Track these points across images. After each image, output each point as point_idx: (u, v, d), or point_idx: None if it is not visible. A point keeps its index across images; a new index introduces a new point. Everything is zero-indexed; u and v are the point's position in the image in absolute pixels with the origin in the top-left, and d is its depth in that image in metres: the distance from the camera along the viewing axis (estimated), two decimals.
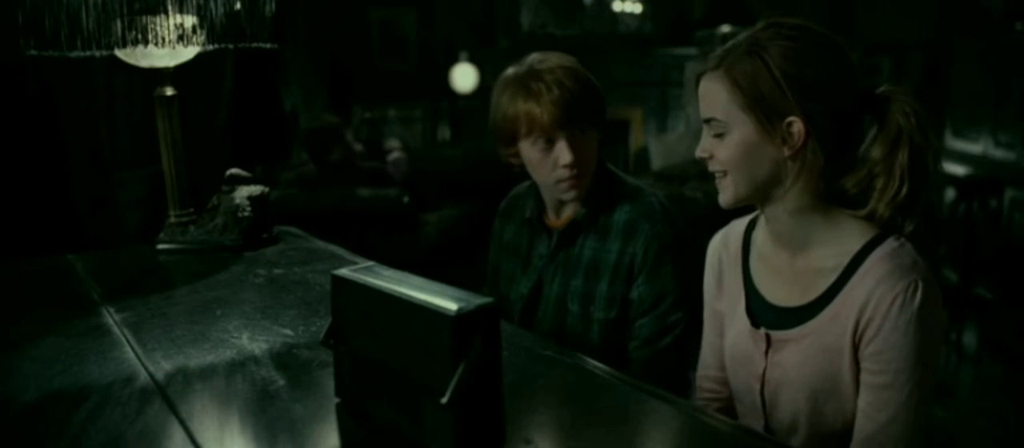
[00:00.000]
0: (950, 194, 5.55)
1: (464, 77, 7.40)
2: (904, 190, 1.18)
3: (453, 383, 0.78)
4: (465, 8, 7.95)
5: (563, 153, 1.61)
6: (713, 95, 1.23)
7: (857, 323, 1.17)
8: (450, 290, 0.83)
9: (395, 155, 5.66)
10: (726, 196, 1.26)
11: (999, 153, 5.37)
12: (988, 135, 5.48)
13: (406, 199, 4.53)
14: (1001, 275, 4.94)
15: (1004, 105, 5.31)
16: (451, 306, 0.79)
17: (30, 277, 1.65)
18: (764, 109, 1.19)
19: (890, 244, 1.18)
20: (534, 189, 1.75)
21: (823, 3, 6.31)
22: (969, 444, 3.46)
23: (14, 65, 3.14)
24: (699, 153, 1.27)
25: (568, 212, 1.71)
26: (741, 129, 1.21)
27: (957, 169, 5.58)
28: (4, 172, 3.38)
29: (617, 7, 7.94)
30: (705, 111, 1.25)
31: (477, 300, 0.80)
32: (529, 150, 1.64)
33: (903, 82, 1.24)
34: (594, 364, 1.13)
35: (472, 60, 7.42)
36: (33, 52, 1.55)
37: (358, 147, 4.98)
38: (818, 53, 1.19)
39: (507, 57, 1.74)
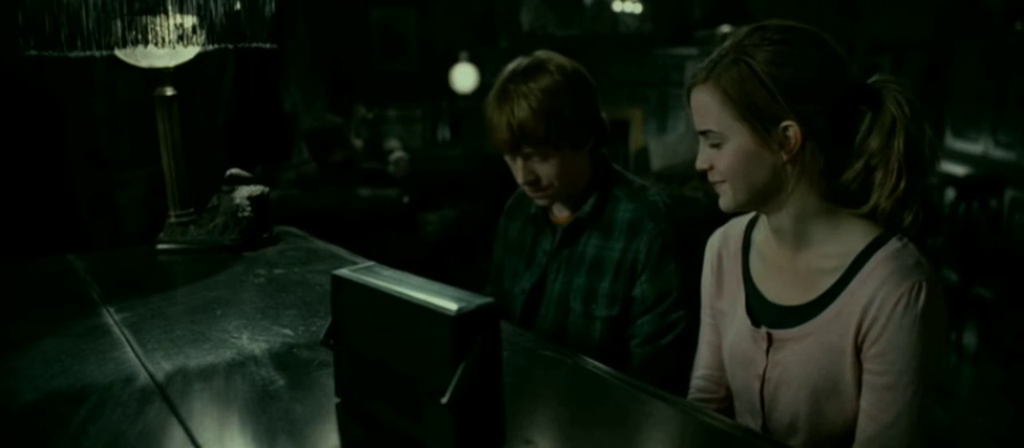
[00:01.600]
0: (950, 194, 5.55)
1: (464, 77, 7.40)
2: (903, 181, 1.18)
3: (453, 383, 0.78)
4: (465, 8, 7.95)
5: (516, 172, 1.66)
6: (705, 107, 1.22)
7: (860, 323, 1.16)
8: (450, 290, 0.83)
9: (397, 155, 5.65)
10: (725, 201, 1.26)
11: (999, 153, 5.37)
12: (988, 135, 5.48)
13: (406, 199, 4.52)
14: (1001, 275, 4.94)
15: (1004, 105, 5.31)
16: (451, 306, 0.79)
17: (30, 277, 1.65)
18: (757, 116, 1.18)
19: (893, 244, 1.18)
20: None
21: (823, 3, 6.32)
22: (969, 444, 3.46)
23: (14, 65, 3.14)
24: (699, 165, 1.27)
25: (570, 210, 1.71)
26: (737, 138, 1.20)
27: (957, 169, 5.59)
28: (5, 172, 3.38)
29: (617, 7, 7.94)
30: (699, 123, 1.24)
31: (477, 300, 0.80)
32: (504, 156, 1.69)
33: (903, 81, 1.23)
34: (594, 364, 1.13)
35: (472, 60, 7.42)
36: (33, 52, 1.54)
37: (358, 144, 4.96)
38: (806, 53, 1.19)
39: (507, 57, 1.74)
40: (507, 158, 1.67)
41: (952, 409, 3.66)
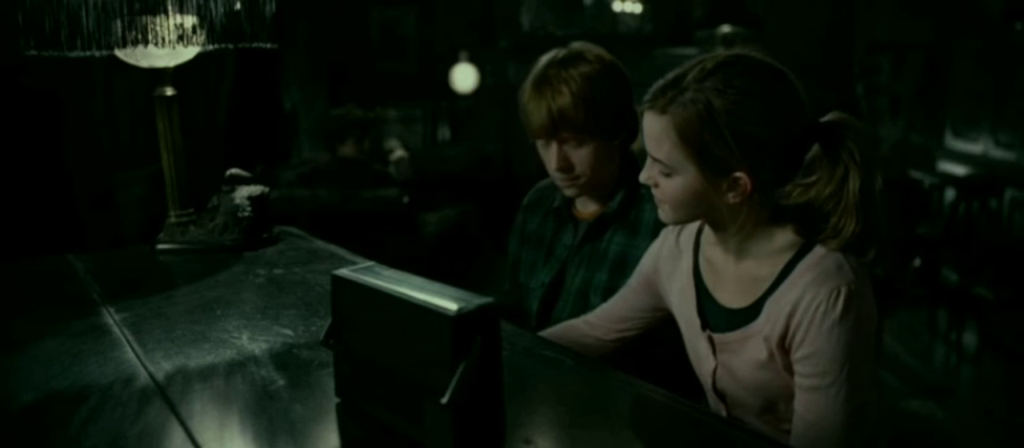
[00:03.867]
0: (950, 194, 5.55)
1: (464, 77, 7.39)
2: (858, 226, 1.17)
3: (453, 383, 0.78)
4: (465, 8, 7.95)
5: (550, 158, 1.66)
6: (657, 138, 1.22)
7: (786, 329, 1.18)
8: (450, 290, 0.83)
9: (398, 155, 5.65)
10: (665, 217, 1.29)
11: (999, 153, 5.37)
12: (988, 135, 5.48)
13: (406, 199, 4.52)
14: (1001, 275, 4.94)
15: (1004, 105, 5.31)
16: (451, 306, 0.79)
17: (30, 277, 1.65)
18: (710, 164, 1.18)
19: (817, 252, 1.19)
20: None
21: (823, 3, 6.31)
22: (969, 444, 3.46)
23: (14, 65, 3.14)
24: (643, 179, 1.27)
25: (596, 205, 1.72)
26: (686, 176, 1.21)
27: (957, 169, 5.58)
28: (5, 172, 3.38)
29: (617, 7, 7.94)
30: (650, 149, 1.24)
31: (477, 300, 0.80)
32: (536, 143, 1.69)
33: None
34: (594, 364, 1.13)
35: (472, 60, 7.41)
36: (33, 52, 1.55)
37: (366, 146, 4.98)
38: (767, 107, 1.17)
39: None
40: (540, 144, 1.68)
41: (952, 409, 3.65)
